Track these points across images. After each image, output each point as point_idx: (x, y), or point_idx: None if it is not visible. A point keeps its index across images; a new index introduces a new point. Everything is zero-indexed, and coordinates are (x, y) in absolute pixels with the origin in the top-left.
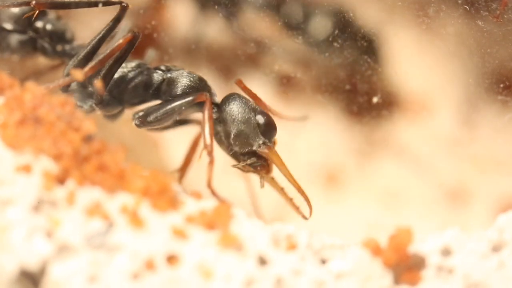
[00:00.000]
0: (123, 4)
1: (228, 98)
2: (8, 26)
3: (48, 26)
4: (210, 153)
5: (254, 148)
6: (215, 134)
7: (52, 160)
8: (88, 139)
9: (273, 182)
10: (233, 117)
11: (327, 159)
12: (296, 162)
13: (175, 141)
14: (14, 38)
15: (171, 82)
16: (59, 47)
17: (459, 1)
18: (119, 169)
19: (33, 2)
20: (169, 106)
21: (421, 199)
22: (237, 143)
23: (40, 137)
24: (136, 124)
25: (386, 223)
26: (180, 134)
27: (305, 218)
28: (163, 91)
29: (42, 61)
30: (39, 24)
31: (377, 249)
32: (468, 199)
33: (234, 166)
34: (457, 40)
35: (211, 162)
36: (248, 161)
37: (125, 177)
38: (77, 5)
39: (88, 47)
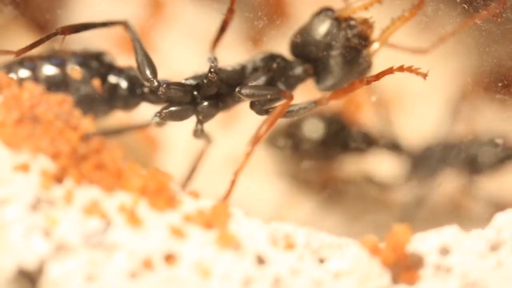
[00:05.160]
0: (123, 22)
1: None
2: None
3: (126, 74)
4: (254, 144)
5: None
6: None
7: (50, 159)
8: (86, 137)
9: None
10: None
11: None
12: None
13: (174, 145)
14: (90, 102)
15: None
16: (138, 91)
17: (458, 0)
18: (117, 168)
19: (60, 29)
20: (262, 89)
21: None
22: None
23: (38, 136)
24: (238, 92)
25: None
26: (178, 139)
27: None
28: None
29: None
30: (112, 80)
31: (375, 248)
32: (467, 198)
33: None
34: (456, 39)
35: (249, 153)
36: None
37: (123, 175)
38: (92, 26)
39: (140, 60)
